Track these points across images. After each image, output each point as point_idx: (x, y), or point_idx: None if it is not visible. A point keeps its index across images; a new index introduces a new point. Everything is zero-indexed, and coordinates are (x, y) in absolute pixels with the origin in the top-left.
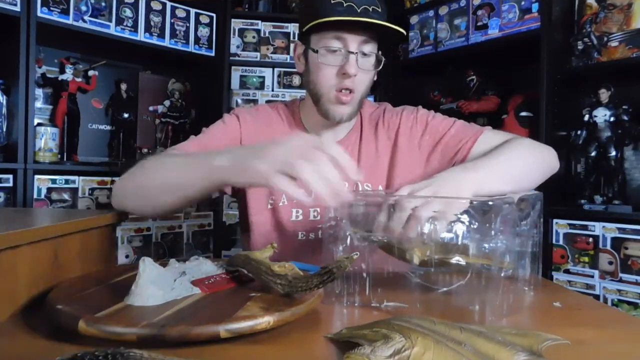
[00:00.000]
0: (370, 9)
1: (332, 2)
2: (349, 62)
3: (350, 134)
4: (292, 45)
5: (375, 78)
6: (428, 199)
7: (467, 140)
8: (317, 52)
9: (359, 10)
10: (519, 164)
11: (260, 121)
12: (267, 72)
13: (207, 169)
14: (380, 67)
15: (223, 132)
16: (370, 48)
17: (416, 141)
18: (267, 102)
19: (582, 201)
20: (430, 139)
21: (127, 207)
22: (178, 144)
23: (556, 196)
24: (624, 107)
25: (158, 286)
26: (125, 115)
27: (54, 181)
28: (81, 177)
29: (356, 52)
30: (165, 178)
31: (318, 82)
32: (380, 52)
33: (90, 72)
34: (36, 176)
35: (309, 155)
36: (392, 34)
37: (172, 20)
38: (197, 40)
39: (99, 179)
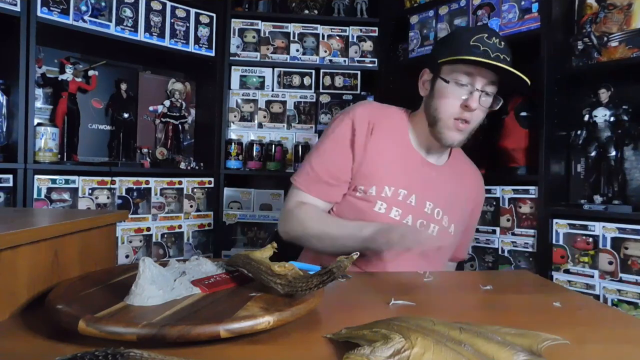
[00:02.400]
0: (502, 57)
1: (471, 43)
2: (473, 97)
3: (448, 165)
4: (292, 46)
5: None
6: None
7: (460, 255)
8: (448, 82)
9: (492, 55)
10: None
11: (382, 118)
12: (267, 72)
13: (358, 238)
14: (496, 107)
15: (340, 143)
16: (492, 89)
17: (469, 219)
18: (267, 102)
19: (582, 201)
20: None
21: (294, 240)
22: (297, 173)
23: (556, 196)
24: (624, 107)
25: (158, 286)
26: (125, 115)
27: (54, 181)
28: (81, 177)
29: (481, 91)
30: (326, 238)
31: (440, 108)
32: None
33: (90, 72)
34: (36, 176)
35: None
36: (513, 82)
37: (172, 20)
38: (197, 40)
39: (99, 179)
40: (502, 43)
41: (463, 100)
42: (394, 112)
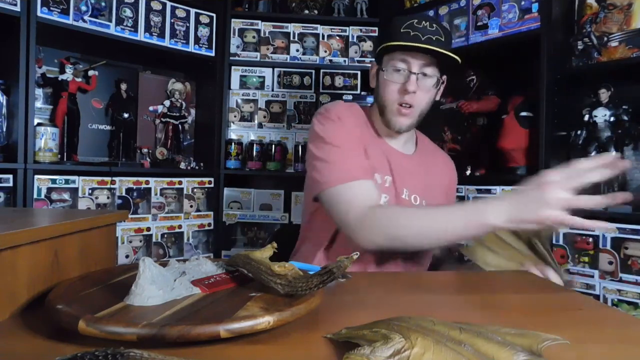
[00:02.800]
0: (434, 38)
1: (402, 30)
2: (410, 81)
3: (418, 151)
4: (292, 46)
5: (437, 98)
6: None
7: None
8: (387, 70)
9: (423, 39)
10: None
11: (359, 119)
12: (267, 72)
13: (480, 225)
14: (439, 87)
15: (345, 133)
16: (431, 71)
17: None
18: (267, 102)
19: None
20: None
21: (385, 246)
22: (324, 177)
23: None
24: (624, 107)
25: (158, 286)
26: (125, 115)
27: (54, 181)
28: (81, 177)
29: (417, 73)
30: (427, 230)
31: (384, 96)
32: (443, 76)
33: (90, 72)
34: (36, 176)
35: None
36: (449, 61)
37: (172, 20)
38: (197, 40)
39: (99, 179)
40: (434, 25)
41: (402, 85)
42: (357, 108)
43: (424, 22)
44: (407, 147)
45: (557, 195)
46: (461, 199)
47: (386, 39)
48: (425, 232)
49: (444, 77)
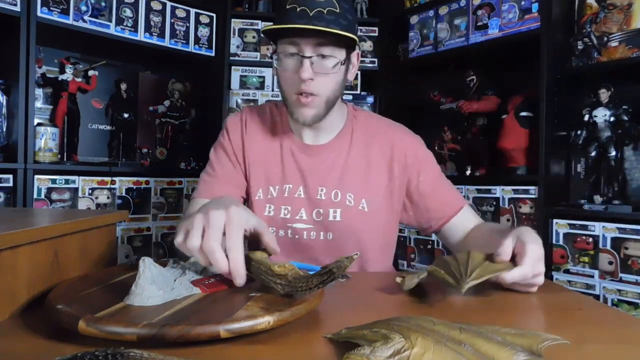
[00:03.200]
0: (325, 11)
1: (287, 7)
2: (303, 67)
3: (337, 139)
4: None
5: (351, 78)
6: None
7: (451, 209)
8: (279, 56)
9: (311, 14)
10: None
11: (238, 128)
12: (267, 72)
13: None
14: (346, 66)
15: (224, 156)
16: (329, 51)
17: (405, 179)
18: (267, 102)
19: (582, 201)
20: (415, 192)
21: None
22: (197, 190)
23: (556, 196)
24: (624, 107)
25: (158, 286)
26: (125, 115)
27: (54, 181)
28: (81, 177)
29: (310, 56)
30: None
31: (281, 87)
32: (352, 51)
33: (90, 72)
34: (36, 176)
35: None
36: (346, 38)
37: (172, 20)
38: (197, 40)
39: (99, 179)
40: None
41: (295, 72)
42: (265, 108)
43: None
44: (324, 136)
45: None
46: None
47: (275, 17)
48: None
49: (354, 53)
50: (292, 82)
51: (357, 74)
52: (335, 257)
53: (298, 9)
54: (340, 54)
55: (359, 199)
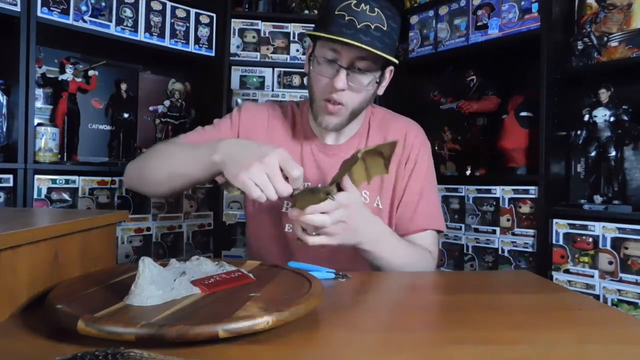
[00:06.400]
0: (373, 27)
1: (336, 13)
2: (338, 77)
3: (355, 138)
4: (292, 46)
5: (382, 93)
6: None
7: (416, 225)
8: (317, 58)
9: (359, 26)
10: (408, 261)
11: (261, 117)
12: (267, 72)
13: (206, 164)
14: (375, 87)
15: (228, 127)
16: (366, 66)
17: (406, 178)
18: (267, 102)
19: (582, 201)
20: (402, 193)
21: (137, 188)
22: (186, 134)
23: (556, 196)
24: (624, 107)
25: (157, 286)
26: (125, 115)
27: (54, 181)
28: (81, 177)
29: (347, 68)
30: (170, 167)
31: (312, 88)
32: (387, 68)
33: (90, 72)
34: (36, 176)
35: (257, 166)
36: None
37: (172, 20)
38: (197, 40)
39: (99, 179)
40: (376, 10)
41: (330, 80)
42: (287, 107)
43: (363, 4)
44: (343, 137)
45: (243, 161)
46: (461, 198)
47: (319, 19)
48: (172, 170)
49: (388, 69)
50: (324, 87)
51: None
52: (347, 254)
53: (347, 18)
54: (377, 70)
55: (374, 197)
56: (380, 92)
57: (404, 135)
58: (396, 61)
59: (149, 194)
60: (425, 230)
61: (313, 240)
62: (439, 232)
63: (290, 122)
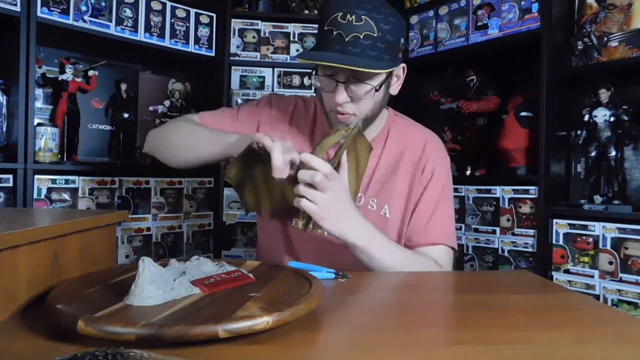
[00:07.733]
0: (362, 36)
1: (325, 29)
2: (337, 91)
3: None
4: (292, 46)
5: (397, 92)
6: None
7: (427, 238)
8: (315, 75)
9: (346, 39)
10: (406, 263)
11: (285, 110)
12: (267, 72)
13: (223, 146)
14: (388, 84)
15: (248, 115)
16: (364, 75)
17: (421, 188)
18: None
19: (582, 201)
20: (416, 204)
21: (156, 154)
22: (203, 113)
23: (556, 196)
24: (624, 107)
25: (157, 286)
26: (125, 115)
27: (54, 181)
28: (81, 177)
29: (344, 82)
30: (192, 141)
31: (322, 101)
32: (394, 68)
33: (90, 72)
34: (36, 176)
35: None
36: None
37: (172, 20)
38: (197, 40)
39: (99, 179)
40: (363, 18)
41: (332, 94)
42: (311, 103)
43: (348, 15)
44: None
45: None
46: (461, 198)
47: (317, 32)
48: (192, 144)
49: (400, 67)
50: (330, 101)
51: None
52: (351, 257)
53: (334, 33)
54: (378, 77)
55: (381, 205)
56: (394, 91)
57: (423, 145)
58: (387, 70)
59: (164, 161)
60: (437, 244)
61: (304, 203)
62: (452, 249)
63: (311, 119)
